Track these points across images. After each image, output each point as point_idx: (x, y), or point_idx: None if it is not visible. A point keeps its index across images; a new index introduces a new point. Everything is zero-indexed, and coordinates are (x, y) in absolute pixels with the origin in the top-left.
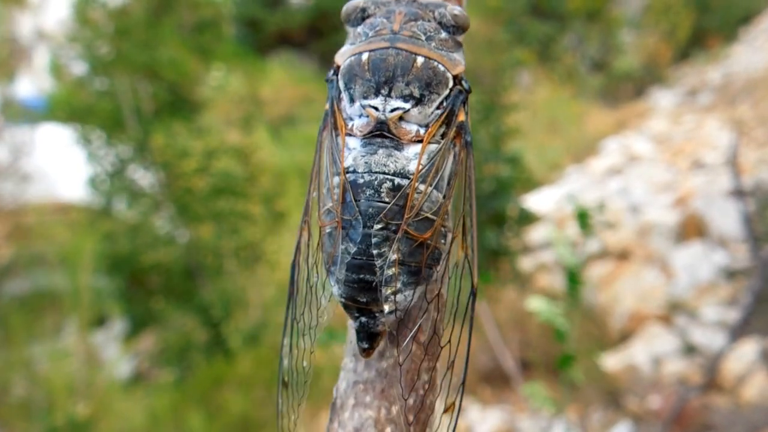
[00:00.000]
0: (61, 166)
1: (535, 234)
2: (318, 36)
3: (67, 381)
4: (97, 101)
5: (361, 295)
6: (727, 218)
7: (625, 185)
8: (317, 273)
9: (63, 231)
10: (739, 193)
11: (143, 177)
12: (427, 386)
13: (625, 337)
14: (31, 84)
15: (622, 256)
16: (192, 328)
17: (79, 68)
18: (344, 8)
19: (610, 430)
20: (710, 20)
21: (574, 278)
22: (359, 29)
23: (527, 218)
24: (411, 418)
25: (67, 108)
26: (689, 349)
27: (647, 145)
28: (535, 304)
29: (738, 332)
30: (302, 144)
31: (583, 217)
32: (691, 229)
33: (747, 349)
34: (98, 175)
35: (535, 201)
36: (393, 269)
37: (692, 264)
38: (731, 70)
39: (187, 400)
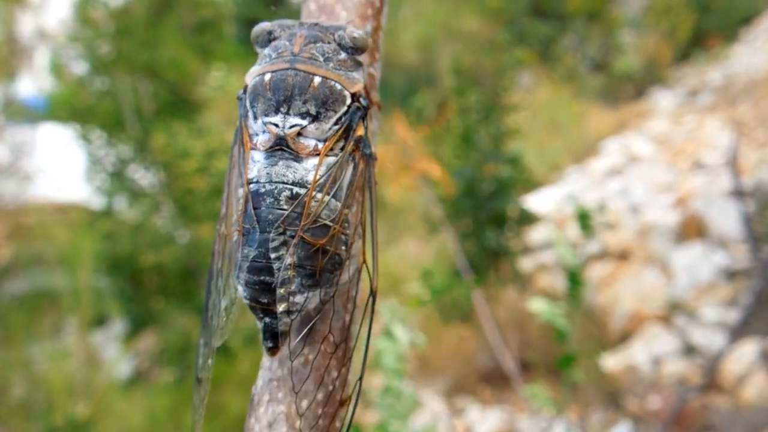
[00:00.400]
0: (61, 166)
1: (535, 234)
2: None
3: (67, 381)
4: (98, 101)
5: (263, 296)
6: (727, 219)
7: (625, 186)
8: (221, 277)
9: (63, 231)
10: (739, 194)
11: (144, 177)
12: (336, 383)
13: (625, 337)
14: (31, 84)
15: (623, 256)
16: (192, 328)
17: (79, 68)
18: (253, 30)
19: (610, 431)
20: (711, 21)
21: (575, 279)
22: (265, 51)
23: (527, 218)
24: (319, 411)
25: (68, 108)
26: (689, 350)
27: (647, 146)
28: (537, 305)
29: (738, 333)
30: None
31: (584, 219)
32: (691, 229)
33: (747, 350)
34: (98, 174)
35: (535, 201)
36: (289, 272)
37: (692, 264)
38: (732, 71)
39: (186, 400)
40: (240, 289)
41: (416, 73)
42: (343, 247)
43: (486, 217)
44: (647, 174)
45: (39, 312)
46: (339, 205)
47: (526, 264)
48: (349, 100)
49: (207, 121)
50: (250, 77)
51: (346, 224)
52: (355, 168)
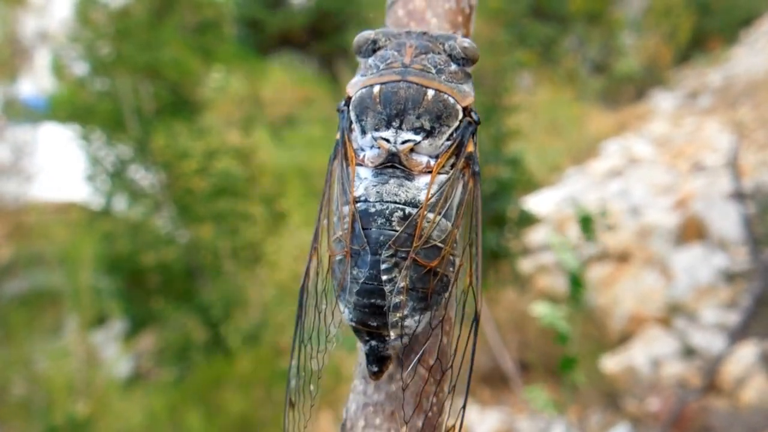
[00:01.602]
0: (62, 166)
1: (535, 235)
2: (319, 37)
3: (67, 380)
4: (98, 101)
5: (372, 320)
6: (727, 221)
7: (625, 187)
8: (326, 300)
9: (63, 231)
10: (739, 196)
11: (144, 177)
12: (434, 409)
13: (624, 339)
14: (32, 84)
15: (622, 258)
16: (191, 328)
17: (80, 68)
18: (356, 39)
19: None
20: (711, 22)
21: (576, 282)
22: (370, 61)
23: (527, 220)
24: None
25: (69, 108)
26: (688, 352)
27: (647, 147)
28: (540, 309)
29: (738, 335)
30: (303, 145)
31: (586, 222)
32: (691, 231)
33: (746, 352)
34: (98, 175)
35: (535, 202)
36: (401, 296)
37: (692, 266)
38: (732, 73)
39: (186, 399)
40: (346, 311)
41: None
42: (451, 269)
43: (486, 218)
44: (647, 175)
45: (39, 311)
46: (449, 225)
47: (525, 265)
48: (461, 115)
49: (207, 122)
50: (354, 88)
51: (455, 245)
52: (464, 186)
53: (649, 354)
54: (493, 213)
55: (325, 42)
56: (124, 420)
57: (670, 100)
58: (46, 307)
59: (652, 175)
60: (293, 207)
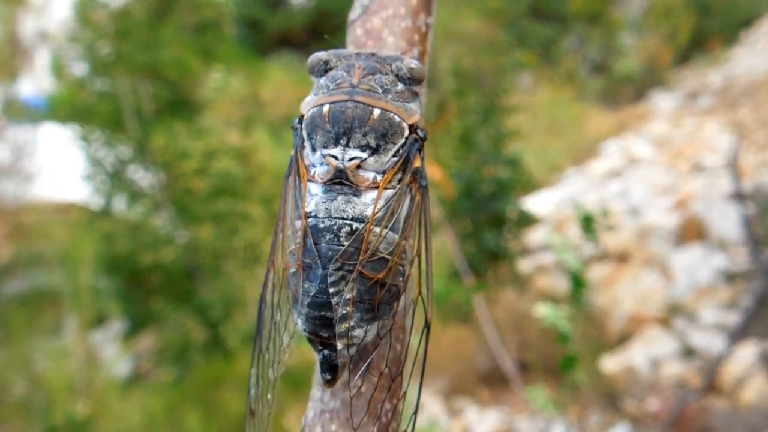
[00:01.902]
0: (61, 166)
1: (534, 236)
2: (319, 37)
3: (67, 380)
4: (98, 102)
5: (323, 330)
6: (726, 221)
7: (624, 187)
8: (280, 311)
9: (63, 231)
10: (739, 196)
11: (143, 177)
12: (390, 414)
13: (624, 339)
14: (32, 84)
15: (622, 258)
16: (191, 328)
17: (80, 69)
18: (309, 60)
19: None
20: (711, 23)
21: (578, 282)
22: (322, 81)
23: (526, 220)
24: None
25: (68, 108)
26: (688, 352)
27: (647, 148)
28: (542, 310)
29: (738, 335)
30: None
31: (587, 222)
32: (691, 231)
33: (746, 352)
34: (98, 175)
35: (534, 203)
36: (348, 307)
37: (692, 267)
38: (732, 73)
39: (185, 399)
40: (299, 322)
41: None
42: (401, 278)
43: (485, 218)
44: (647, 176)
45: (39, 311)
46: (396, 237)
47: (525, 265)
48: (407, 132)
49: (207, 122)
50: (306, 107)
51: (404, 256)
52: (411, 200)
53: (648, 354)
54: (492, 213)
55: (324, 42)
56: (123, 420)
57: (670, 100)
58: (46, 307)
59: (652, 175)
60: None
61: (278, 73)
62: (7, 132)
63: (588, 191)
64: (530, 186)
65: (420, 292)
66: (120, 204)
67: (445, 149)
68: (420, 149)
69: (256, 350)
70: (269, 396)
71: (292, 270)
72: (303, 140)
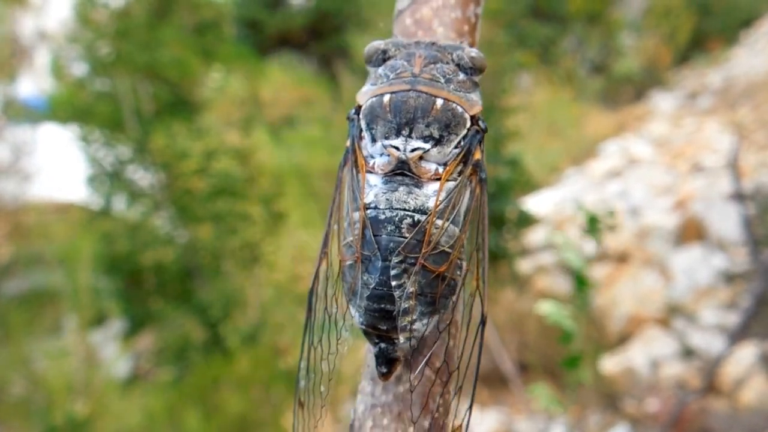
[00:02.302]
0: (61, 166)
1: (534, 236)
2: (318, 37)
3: (66, 380)
4: (97, 102)
5: (382, 323)
6: (726, 221)
7: (624, 188)
8: (336, 304)
9: (62, 230)
10: (739, 197)
11: (143, 177)
12: (441, 409)
13: (623, 339)
14: (32, 84)
15: (621, 258)
16: (190, 328)
17: (79, 69)
18: (366, 49)
19: None
20: (711, 23)
21: (581, 281)
22: (380, 71)
23: (526, 220)
24: None
25: (68, 108)
26: (688, 353)
27: (647, 148)
28: (545, 307)
29: (738, 336)
30: (302, 145)
31: (593, 223)
32: (691, 232)
33: (746, 353)
34: (97, 175)
35: (534, 203)
36: (411, 301)
37: (691, 267)
38: (732, 74)
39: (184, 399)
40: (356, 315)
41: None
42: (459, 273)
43: None
44: (646, 176)
45: (38, 311)
46: (457, 230)
47: (524, 266)
48: (468, 123)
49: (206, 122)
50: (364, 97)
51: (462, 249)
52: (471, 193)
53: (648, 355)
54: (491, 213)
55: (324, 42)
56: (123, 420)
57: (670, 100)
58: (45, 306)
59: (652, 175)
60: (292, 207)
61: (278, 73)
62: (7, 132)
63: (587, 191)
64: (530, 186)
65: (478, 287)
66: (120, 204)
67: None
68: (481, 141)
69: (307, 343)
70: (323, 388)
71: (349, 262)
72: (361, 130)
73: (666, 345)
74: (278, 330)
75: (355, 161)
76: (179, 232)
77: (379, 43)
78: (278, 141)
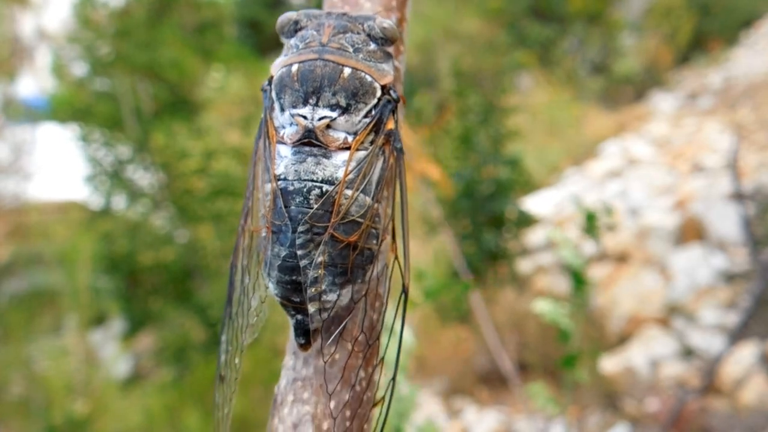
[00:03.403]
0: (61, 166)
1: (534, 236)
2: None
3: (66, 380)
4: (97, 102)
5: (294, 295)
6: (726, 222)
7: (624, 188)
8: (249, 275)
9: (62, 230)
10: (739, 197)
11: (142, 177)
12: (363, 383)
13: (623, 339)
14: (32, 83)
15: (621, 258)
16: (190, 328)
17: (79, 69)
18: (278, 20)
19: None
20: (711, 24)
21: (579, 279)
22: (292, 41)
23: (526, 220)
24: (348, 412)
25: (68, 108)
26: (687, 352)
27: (647, 148)
28: (542, 305)
29: (737, 335)
30: None
31: (590, 220)
32: (691, 232)
33: (745, 353)
34: (97, 174)
35: (533, 203)
36: (319, 270)
37: (691, 267)
38: (732, 74)
39: (184, 399)
40: (271, 286)
41: (416, 74)
42: (374, 242)
43: (485, 218)
44: (646, 176)
45: (38, 310)
46: (368, 200)
47: (524, 266)
48: (379, 93)
49: (206, 122)
50: (276, 68)
51: (377, 219)
52: (384, 162)
53: (648, 354)
54: (491, 213)
55: None
56: (122, 419)
57: (670, 101)
58: (45, 306)
59: (652, 176)
60: None
61: None
62: (7, 131)
63: (588, 191)
64: (530, 186)
65: (396, 257)
66: (119, 203)
67: (445, 149)
68: (393, 111)
69: (226, 316)
70: (237, 360)
71: (263, 234)
72: (272, 101)
73: (666, 345)
74: (278, 330)
75: (267, 132)
76: (179, 231)
77: (291, 14)
78: None
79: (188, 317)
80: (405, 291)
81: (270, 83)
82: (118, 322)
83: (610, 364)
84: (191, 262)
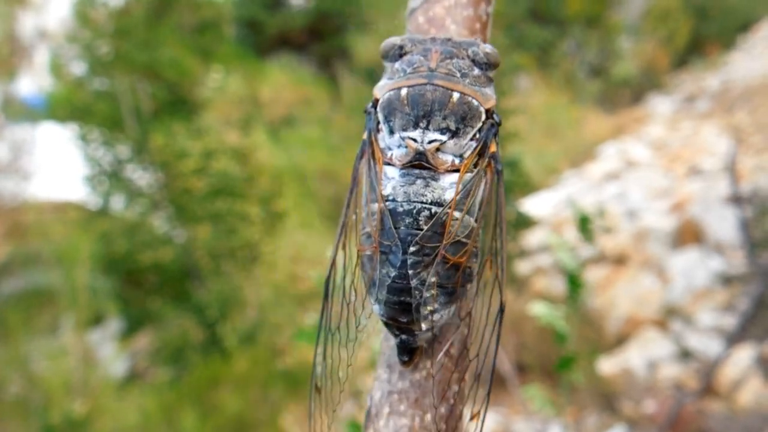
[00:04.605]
0: (60, 165)
1: (533, 238)
2: (318, 38)
3: (64, 379)
4: (96, 101)
5: (402, 316)
6: (723, 224)
7: (622, 190)
8: (356, 292)
9: (61, 229)
10: (736, 200)
11: (141, 177)
12: (456, 396)
13: (621, 341)
14: (32, 82)
15: (619, 260)
16: (188, 328)
17: (78, 68)
18: (383, 45)
19: None
20: (709, 27)
21: (574, 281)
22: (397, 65)
23: (525, 222)
24: (443, 425)
25: (67, 107)
26: (685, 354)
27: (645, 151)
28: (538, 308)
29: (735, 338)
30: (301, 145)
31: (584, 222)
32: (688, 234)
33: (743, 355)
34: (96, 174)
35: (532, 205)
36: (431, 291)
37: (688, 269)
38: (729, 77)
39: (182, 399)
40: (376, 307)
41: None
42: (475, 261)
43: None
44: (644, 179)
45: (36, 310)
46: (472, 221)
47: (522, 267)
48: (484, 116)
49: (206, 122)
50: (382, 91)
51: (478, 239)
52: (486, 184)
53: (645, 356)
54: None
55: (324, 43)
56: (120, 419)
57: (668, 104)
58: (43, 306)
59: (650, 178)
60: (291, 207)
61: (277, 73)
62: (6, 130)
63: (586, 194)
64: (528, 188)
65: (496, 275)
66: (118, 203)
67: None
68: (496, 134)
69: (323, 330)
70: (341, 373)
71: (368, 252)
72: (378, 123)
73: (663, 347)
74: (276, 330)
75: (373, 153)
76: (177, 231)
77: (395, 39)
78: (277, 141)
79: (186, 317)
80: (502, 309)
81: (374, 105)
82: (116, 322)
83: (607, 365)
84: (190, 262)
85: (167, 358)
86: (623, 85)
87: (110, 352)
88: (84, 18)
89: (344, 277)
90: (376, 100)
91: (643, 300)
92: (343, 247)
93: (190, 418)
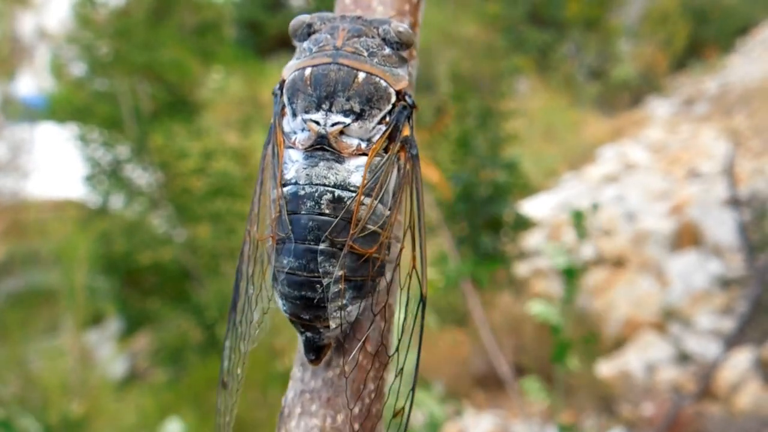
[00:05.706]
0: (59, 164)
1: (531, 240)
2: None
3: (62, 380)
4: (96, 102)
5: (304, 312)
6: (722, 227)
7: (621, 193)
8: (253, 285)
9: (60, 229)
10: (734, 203)
11: (140, 176)
12: (373, 395)
13: (619, 343)
14: (31, 82)
15: (618, 263)
16: (187, 329)
17: (78, 68)
18: (291, 23)
19: None
20: (707, 31)
21: (570, 272)
22: (305, 45)
23: (523, 224)
24: (356, 426)
25: (67, 108)
26: (683, 357)
27: (643, 154)
28: (536, 307)
29: (733, 341)
30: None
31: (578, 218)
32: (687, 237)
33: (741, 358)
34: (96, 174)
35: (531, 207)
36: (339, 285)
37: (687, 272)
38: (728, 81)
39: (180, 400)
40: (280, 302)
41: (415, 78)
42: (387, 253)
43: (482, 221)
44: (643, 181)
45: (34, 310)
46: (385, 210)
47: (521, 269)
48: (394, 98)
49: (205, 123)
50: (288, 71)
51: (392, 229)
52: (399, 170)
53: (643, 359)
54: (489, 217)
55: None
56: (118, 420)
57: (666, 107)
58: (42, 306)
59: (648, 181)
60: None
61: (277, 74)
62: (6, 130)
63: (584, 196)
64: (527, 190)
65: (414, 266)
66: (117, 202)
67: (443, 152)
68: (409, 117)
69: (231, 322)
70: (239, 371)
71: (268, 243)
72: (283, 106)
73: (662, 349)
74: (275, 331)
75: (276, 137)
76: (177, 231)
77: (304, 17)
78: None
79: (185, 318)
80: (423, 301)
81: (281, 87)
82: (115, 322)
83: (606, 368)
84: (189, 262)
85: (166, 359)
86: (622, 88)
87: (109, 352)
88: (84, 19)
89: (247, 268)
90: (283, 81)
91: (642, 303)
92: (249, 237)
93: (189, 419)
